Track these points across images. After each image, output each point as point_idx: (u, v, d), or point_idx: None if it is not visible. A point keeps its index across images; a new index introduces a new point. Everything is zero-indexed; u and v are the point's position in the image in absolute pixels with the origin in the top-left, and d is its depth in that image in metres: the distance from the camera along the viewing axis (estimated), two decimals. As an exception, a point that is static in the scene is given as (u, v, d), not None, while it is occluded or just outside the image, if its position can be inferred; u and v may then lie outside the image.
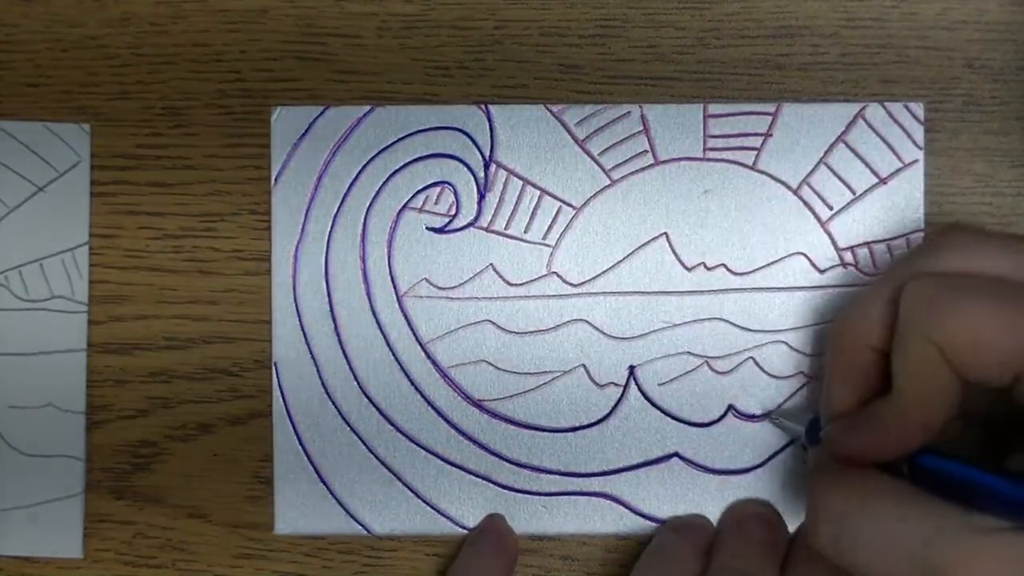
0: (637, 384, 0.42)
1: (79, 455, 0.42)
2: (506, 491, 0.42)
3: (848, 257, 0.41)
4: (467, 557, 0.41)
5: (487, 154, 0.42)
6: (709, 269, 0.42)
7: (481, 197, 0.42)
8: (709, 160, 0.42)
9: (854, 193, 0.41)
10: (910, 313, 0.33)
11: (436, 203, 0.42)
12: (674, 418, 0.42)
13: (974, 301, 0.32)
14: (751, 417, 0.41)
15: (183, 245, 0.42)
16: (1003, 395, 0.33)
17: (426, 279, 0.42)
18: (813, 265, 0.42)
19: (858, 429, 0.35)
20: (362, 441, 0.42)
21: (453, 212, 0.42)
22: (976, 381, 0.33)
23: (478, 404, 0.42)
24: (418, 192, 0.42)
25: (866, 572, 0.33)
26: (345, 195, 0.42)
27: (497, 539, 0.41)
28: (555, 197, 0.42)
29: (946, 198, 0.41)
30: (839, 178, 0.41)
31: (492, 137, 0.42)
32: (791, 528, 0.41)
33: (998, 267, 0.33)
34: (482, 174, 0.42)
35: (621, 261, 0.42)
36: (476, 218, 0.42)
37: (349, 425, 0.42)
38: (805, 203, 0.42)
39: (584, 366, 0.42)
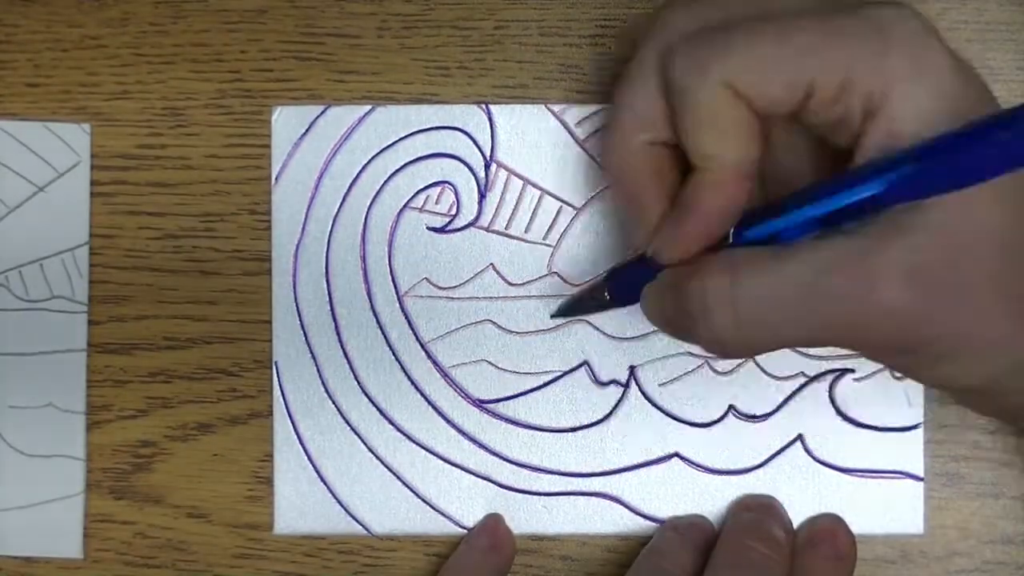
0: (637, 384, 0.42)
1: (79, 455, 0.42)
2: (506, 491, 0.42)
3: (848, 257, 0.41)
4: (463, 554, 0.41)
5: (488, 154, 0.42)
6: (709, 269, 0.42)
7: (482, 197, 0.42)
8: (709, 160, 0.42)
9: (854, 193, 0.41)
10: (687, 72, 0.33)
11: (436, 203, 0.42)
12: (674, 418, 0.42)
13: (738, 31, 0.33)
14: (751, 417, 0.41)
15: (183, 245, 0.42)
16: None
17: (426, 279, 0.42)
18: (813, 265, 0.41)
19: (682, 222, 0.35)
20: (362, 441, 0.42)
21: (454, 212, 0.42)
22: (767, 110, 0.33)
23: (478, 404, 0.42)
24: (418, 192, 0.42)
25: (771, 343, 0.34)
26: (345, 195, 0.42)
27: (494, 538, 0.41)
28: (556, 197, 0.42)
29: (946, 198, 0.41)
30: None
31: (492, 137, 0.42)
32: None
33: (730, 10, 0.34)
34: (482, 174, 0.42)
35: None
36: (476, 218, 0.42)
37: (349, 425, 0.42)
38: (805, 203, 0.41)
39: (584, 366, 0.42)
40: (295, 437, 0.42)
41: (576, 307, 0.41)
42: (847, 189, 0.33)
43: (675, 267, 0.35)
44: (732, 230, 0.34)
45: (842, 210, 0.33)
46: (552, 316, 0.42)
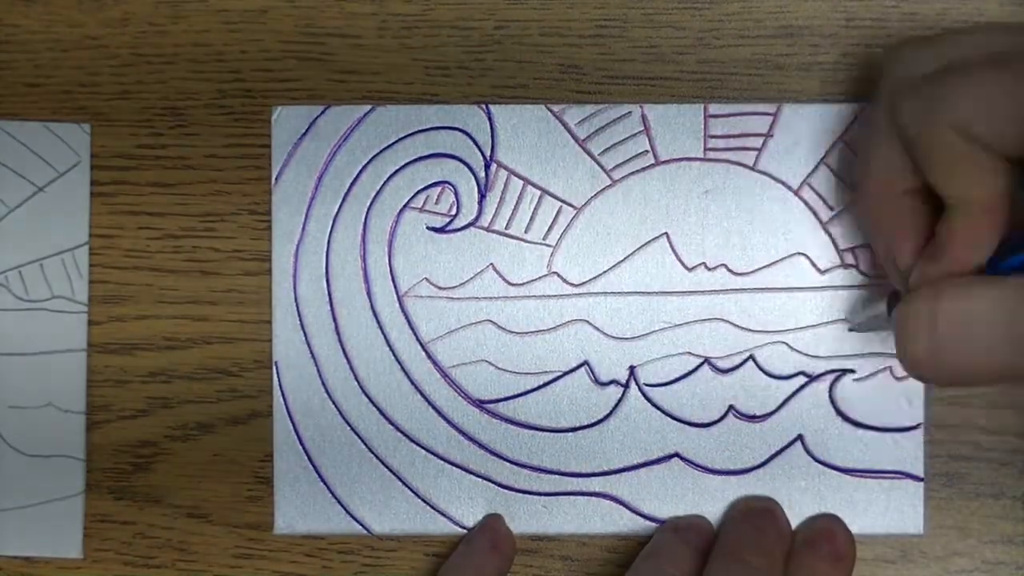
0: (637, 384, 0.42)
1: (79, 455, 0.42)
2: (506, 491, 0.42)
3: (849, 258, 0.41)
4: (463, 554, 0.41)
5: (488, 154, 0.42)
6: (710, 269, 0.42)
7: (482, 197, 0.42)
8: (710, 160, 0.42)
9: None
10: (916, 120, 0.34)
11: (437, 203, 0.42)
12: (674, 418, 0.42)
13: (961, 73, 0.33)
14: (751, 417, 0.42)
15: (183, 245, 0.42)
16: None
17: (426, 279, 0.42)
18: (814, 265, 0.42)
19: (936, 259, 0.35)
20: (362, 441, 0.42)
21: (454, 212, 0.42)
22: (1004, 149, 0.33)
23: (478, 404, 0.42)
24: (419, 192, 0.42)
25: (966, 376, 0.33)
26: (345, 195, 0.42)
27: (493, 538, 0.41)
28: (556, 197, 0.42)
29: (946, 198, 0.41)
30: (840, 178, 0.41)
31: (493, 137, 0.42)
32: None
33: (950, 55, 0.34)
34: (483, 174, 0.42)
35: (622, 261, 0.42)
36: (477, 218, 0.42)
37: (349, 425, 0.42)
38: (806, 203, 0.42)
39: (584, 366, 0.42)
40: (295, 437, 0.42)
41: (872, 324, 0.40)
42: None
43: None
44: (987, 260, 0.34)
45: None
46: (849, 330, 0.41)
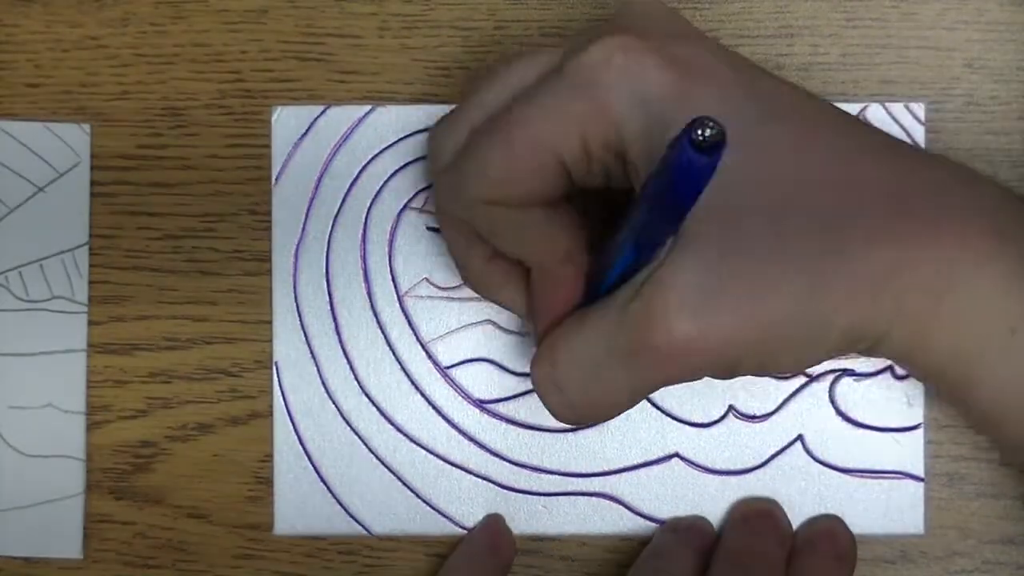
0: (637, 384, 0.42)
1: (79, 455, 0.42)
2: (506, 491, 0.42)
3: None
4: (463, 554, 0.41)
5: (487, 154, 0.42)
6: (710, 269, 0.41)
7: (481, 197, 0.42)
8: (709, 160, 0.42)
9: (854, 193, 0.41)
10: (451, 207, 0.36)
11: (436, 203, 0.42)
12: (674, 418, 0.42)
13: (473, 148, 0.34)
14: (751, 417, 0.41)
15: (183, 245, 0.42)
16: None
17: (427, 279, 0.42)
18: (813, 265, 0.41)
19: (535, 312, 0.36)
20: (362, 441, 0.42)
21: (453, 212, 0.42)
22: (545, 199, 0.34)
23: (478, 404, 0.42)
24: (418, 192, 0.42)
25: (603, 411, 0.35)
26: (345, 195, 0.42)
27: (493, 538, 0.41)
28: (555, 197, 0.42)
29: (946, 198, 0.41)
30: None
31: (492, 137, 0.42)
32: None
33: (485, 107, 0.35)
34: (482, 174, 0.42)
35: (621, 261, 0.42)
36: (476, 218, 0.42)
37: (349, 425, 0.42)
38: (805, 203, 0.41)
39: (584, 366, 0.42)
40: (295, 437, 0.42)
41: None
42: (615, 256, 0.33)
43: None
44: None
45: (624, 272, 0.33)
46: None
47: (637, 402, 0.35)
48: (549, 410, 0.36)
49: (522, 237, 0.35)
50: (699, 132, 0.27)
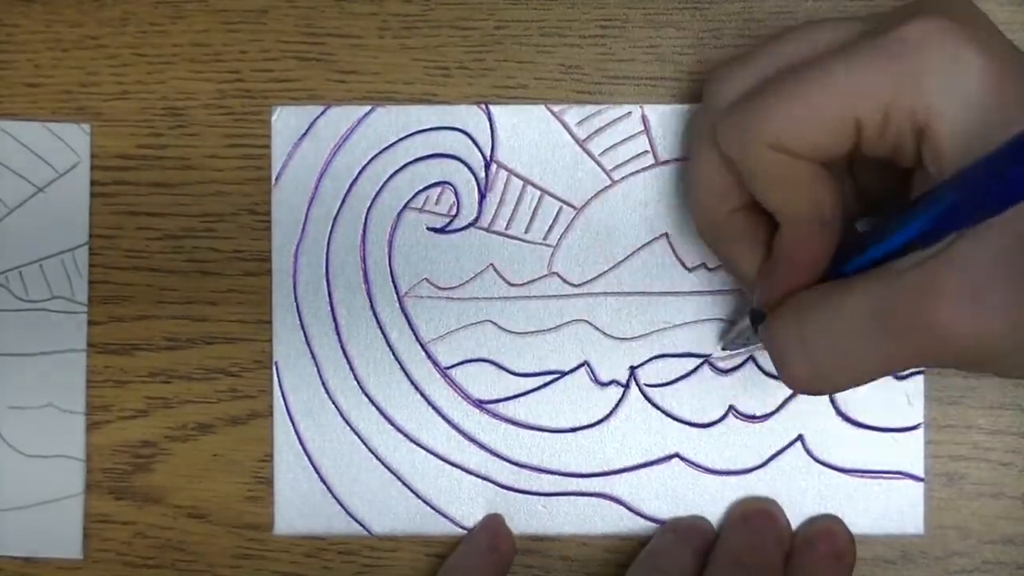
0: (637, 384, 0.42)
1: (79, 455, 0.42)
2: (506, 491, 0.42)
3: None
4: (463, 554, 0.41)
5: (488, 154, 0.42)
6: (710, 270, 0.42)
7: (482, 197, 0.42)
8: (709, 160, 0.42)
9: (854, 193, 0.41)
10: (733, 143, 0.34)
11: (436, 203, 0.42)
12: (674, 419, 0.42)
13: (770, 91, 0.33)
14: (751, 417, 0.42)
15: (183, 245, 0.42)
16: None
17: (427, 279, 0.42)
18: (813, 265, 0.41)
19: (775, 272, 0.35)
20: (362, 441, 0.42)
21: (454, 212, 0.42)
22: (823, 158, 0.34)
23: (478, 404, 0.42)
24: (418, 192, 0.42)
25: (848, 379, 0.34)
26: (345, 195, 0.42)
27: (494, 538, 0.41)
28: (556, 197, 0.42)
29: (946, 198, 0.41)
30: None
31: (493, 137, 0.42)
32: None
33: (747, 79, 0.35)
34: (483, 174, 0.42)
35: (622, 261, 0.42)
36: (477, 218, 0.42)
37: (349, 425, 0.42)
38: (806, 203, 0.41)
39: (584, 366, 0.42)
40: (295, 437, 0.42)
41: (741, 341, 0.40)
42: (898, 230, 0.32)
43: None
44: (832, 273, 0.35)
45: (900, 248, 0.32)
46: (722, 349, 0.42)
47: (880, 378, 0.34)
48: (784, 374, 0.35)
49: (791, 188, 0.34)
50: None
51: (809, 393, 0.36)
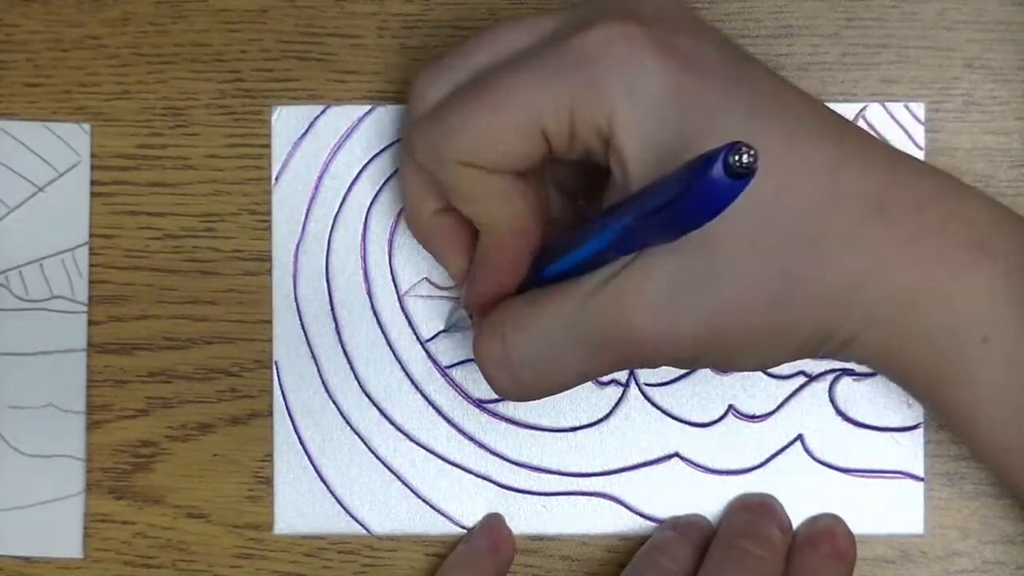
0: (637, 384, 0.42)
1: (79, 455, 0.42)
2: (506, 491, 0.42)
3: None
4: (463, 554, 0.41)
5: (487, 154, 0.42)
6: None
7: (481, 197, 0.42)
8: (709, 160, 0.42)
9: (854, 193, 0.41)
10: (427, 160, 0.35)
11: (436, 203, 0.42)
12: (674, 418, 0.42)
13: (454, 106, 0.34)
14: (751, 417, 0.41)
15: (183, 245, 0.42)
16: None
17: (426, 279, 0.42)
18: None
19: (476, 277, 0.37)
20: (362, 441, 0.42)
21: (453, 212, 0.42)
22: (519, 167, 0.34)
23: (478, 404, 0.42)
24: (418, 192, 0.42)
25: (550, 388, 0.36)
26: (345, 195, 0.42)
27: (492, 537, 0.41)
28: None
29: (946, 198, 0.41)
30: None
31: (492, 137, 0.42)
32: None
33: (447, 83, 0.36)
34: (482, 174, 0.42)
35: (621, 261, 0.42)
36: (476, 218, 0.42)
37: (349, 425, 0.42)
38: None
39: (584, 366, 0.42)
40: (295, 437, 0.42)
41: (459, 327, 0.41)
42: (583, 244, 0.33)
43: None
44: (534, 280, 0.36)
45: (591, 258, 0.33)
46: (443, 331, 0.42)
47: (584, 383, 0.36)
48: (491, 384, 0.36)
49: (484, 200, 0.35)
50: (736, 158, 0.26)
51: (516, 400, 0.38)
